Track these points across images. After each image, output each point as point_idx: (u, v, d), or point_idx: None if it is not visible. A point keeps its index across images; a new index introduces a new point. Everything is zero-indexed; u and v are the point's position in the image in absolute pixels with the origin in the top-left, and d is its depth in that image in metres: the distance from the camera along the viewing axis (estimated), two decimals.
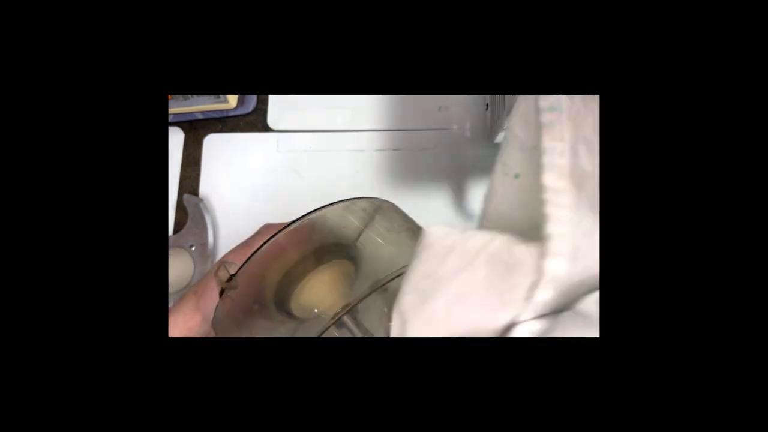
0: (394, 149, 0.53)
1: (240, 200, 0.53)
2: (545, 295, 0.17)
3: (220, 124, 0.55)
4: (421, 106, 0.54)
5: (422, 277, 0.19)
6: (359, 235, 0.31)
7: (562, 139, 0.18)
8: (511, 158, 0.21)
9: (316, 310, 0.29)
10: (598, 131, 0.18)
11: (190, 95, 0.51)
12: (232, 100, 0.53)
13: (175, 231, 0.52)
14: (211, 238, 0.51)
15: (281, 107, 0.55)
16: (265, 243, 0.27)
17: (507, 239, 0.18)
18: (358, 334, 0.27)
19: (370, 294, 0.27)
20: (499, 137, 0.47)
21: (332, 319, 0.27)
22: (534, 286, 0.17)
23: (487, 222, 0.22)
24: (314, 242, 0.30)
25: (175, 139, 0.55)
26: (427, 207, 0.51)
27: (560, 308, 0.18)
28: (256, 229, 0.35)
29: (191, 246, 0.51)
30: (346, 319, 0.28)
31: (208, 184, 0.54)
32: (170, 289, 0.49)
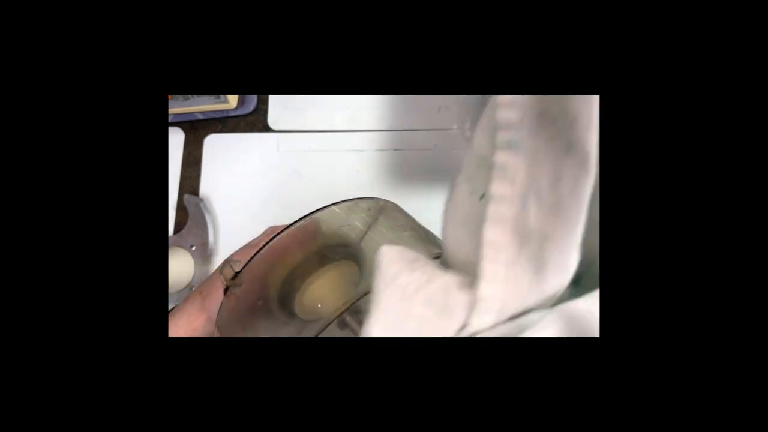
0: (395, 149, 0.53)
1: (240, 200, 0.53)
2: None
3: (220, 124, 0.55)
4: (421, 106, 0.54)
5: (373, 293, 0.19)
6: (363, 235, 0.31)
7: (513, 183, 0.17)
8: (478, 176, 0.19)
9: (319, 305, 0.29)
10: (556, 182, 0.16)
11: (190, 95, 0.51)
12: (233, 100, 0.53)
13: (176, 231, 0.52)
14: (211, 238, 0.51)
15: (281, 107, 0.55)
16: (269, 241, 0.27)
17: (446, 283, 0.18)
18: (361, 334, 0.27)
19: (369, 293, 0.27)
20: None
21: (334, 317, 0.27)
22: (461, 330, 0.18)
23: (446, 247, 0.21)
24: (318, 242, 0.30)
25: (176, 140, 0.55)
26: (428, 207, 0.50)
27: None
28: (256, 228, 0.36)
29: (192, 246, 0.51)
30: (349, 319, 0.28)
31: (208, 184, 0.54)
32: (170, 289, 0.49)
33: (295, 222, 0.28)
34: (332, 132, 0.54)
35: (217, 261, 0.51)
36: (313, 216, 0.29)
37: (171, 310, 0.35)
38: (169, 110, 0.52)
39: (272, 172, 0.54)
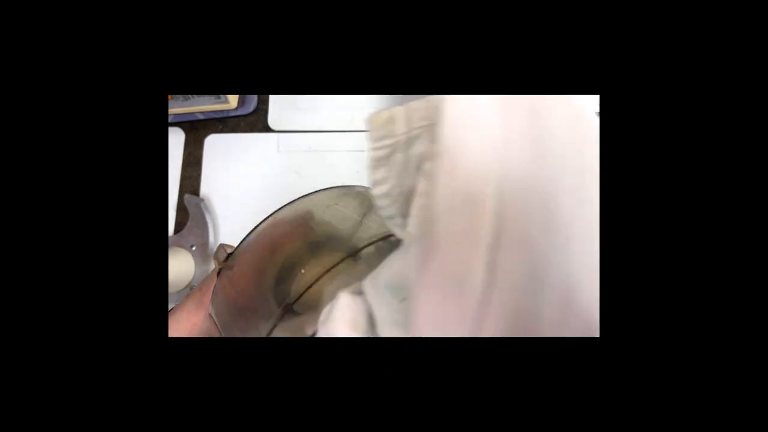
0: None
1: (241, 200, 0.53)
2: None
3: (220, 124, 0.55)
4: None
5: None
6: (358, 226, 0.31)
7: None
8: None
9: (311, 289, 0.29)
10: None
11: (190, 95, 0.51)
12: (233, 100, 0.53)
13: (176, 231, 0.52)
14: (211, 238, 0.51)
15: (281, 107, 0.55)
16: (261, 222, 0.28)
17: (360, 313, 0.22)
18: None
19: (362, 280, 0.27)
20: None
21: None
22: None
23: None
24: (311, 228, 0.30)
25: (176, 140, 0.55)
26: None
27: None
28: None
29: (192, 246, 0.51)
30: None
31: (208, 184, 0.54)
32: (171, 289, 0.49)
33: (286, 205, 0.29)
34: (332, 132, 0.54)
35: None
36: (303, 199, 0.29)
37: (171, 309, 0.35)
38: (170, 110, 0.52)
39: (272, 172, 0.54)
